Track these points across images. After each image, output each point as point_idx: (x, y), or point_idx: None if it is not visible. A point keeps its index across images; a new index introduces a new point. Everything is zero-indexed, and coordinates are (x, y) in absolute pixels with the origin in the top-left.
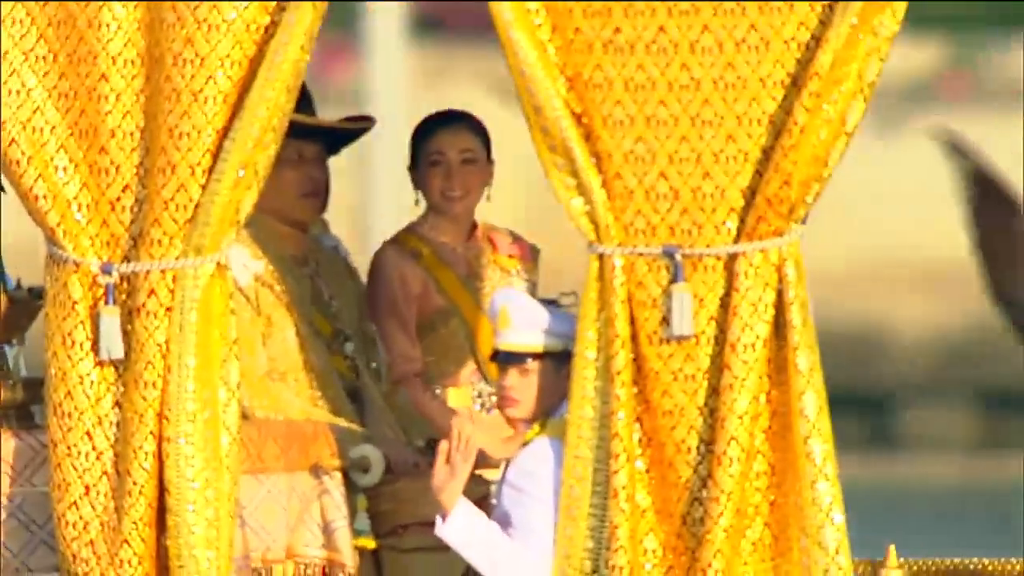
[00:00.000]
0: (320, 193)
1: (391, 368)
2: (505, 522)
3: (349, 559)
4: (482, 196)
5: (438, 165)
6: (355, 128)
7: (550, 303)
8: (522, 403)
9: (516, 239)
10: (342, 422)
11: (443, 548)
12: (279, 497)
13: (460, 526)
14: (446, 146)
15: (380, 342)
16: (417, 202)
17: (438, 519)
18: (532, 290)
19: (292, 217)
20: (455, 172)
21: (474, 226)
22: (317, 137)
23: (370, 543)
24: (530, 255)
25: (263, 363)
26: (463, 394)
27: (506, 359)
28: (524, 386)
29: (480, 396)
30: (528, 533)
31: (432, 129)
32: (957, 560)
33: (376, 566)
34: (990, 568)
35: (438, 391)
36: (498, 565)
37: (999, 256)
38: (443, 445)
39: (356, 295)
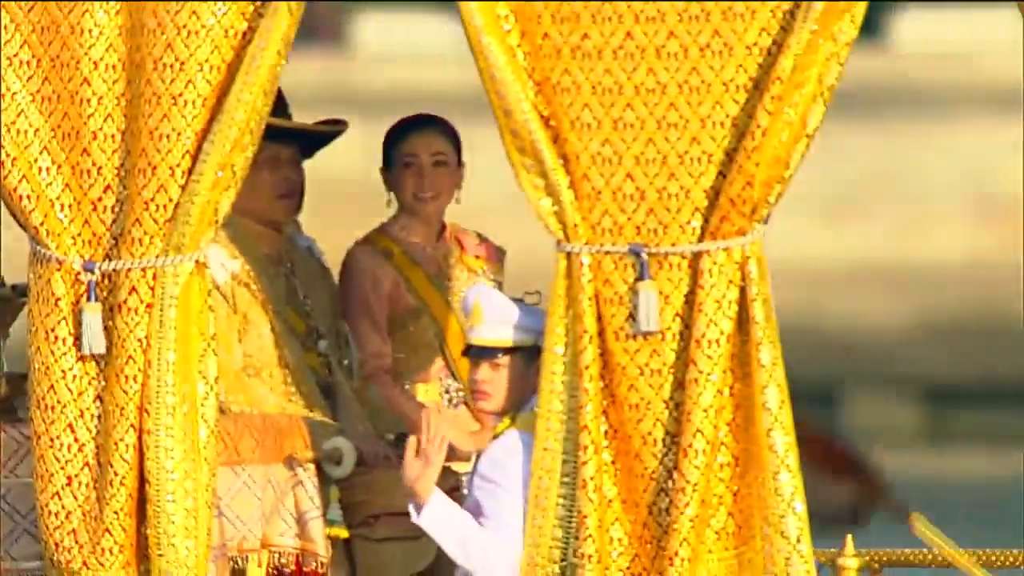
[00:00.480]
0: (295, 194)
1: (362, 364)
2: (477, 512)
3: (322, 548)
4: (452, 198)
5: (410, 167)
6: (329, 131)
7: (516, 301)
8: (493, 396)
9: (483, 240)
10: (316, 416)
11: (413, 537)
12: (255, 488)
13: (435, 515)
14: (419, 149)
15: (352, 339)
16: (389, 203)
17: (412, 509)
18: (498, 289)
19: (268, 218)
20: (427, 174)
21: (443, 227)
22: (293, 140)
23: (343, 533)
24: (496, 256)
25: (239, 359)
26: (432, 390)
27: (478, 354)
28: (495, 380)
29: (448, 392)
30: (500, 522)
31: (405, 132)
32: (913, 550)
33: (348, 555)
34: (942, 558)
35: (407, 387)
36: (471, 553)
37: None
38: (412, 439)
39: (329, 294)
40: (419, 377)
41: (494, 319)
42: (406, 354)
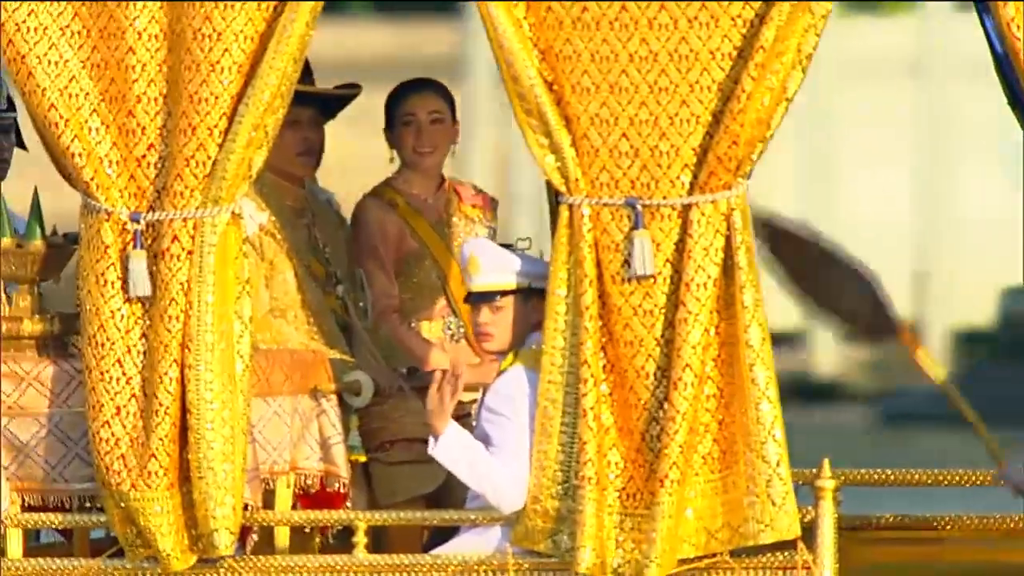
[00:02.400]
0: (314, 152)
1: (374, 305)
2: (486, 442)
3: (344, 471)
4: (449, 152)
5: (410, 125)
6: (343, 95)
7: (508, 248)
8: (496, 337)
9: (478, 191)
10: (336, 352)
11: (424, 461)
12: (284, 417)
13: (449, 446)
14: (417, 108)
15: (364, 282)
16: (392, 159)
17: (430, 440)
18: (492, 235)
19: (289, 173)
20: (425, 131)
21: (442, 179)
22: (312, 103)
23: (361, 457)
24: (490, 205)
25: (266, 302)
26: (435, 327)
27: (478, 299)
28: (496, 321)
29: (450, 328)
30: (507, 450)
31: (404, 93)
32: (888, 471)
33: (366, 477)
34: (918, 478)
35: (413, 324)
36: (482, 479)
37: (805, 279)
38: (437, 374)
39: (346, 243)
40: (423, 315)
41: (490, 266)
42: (412, 294)
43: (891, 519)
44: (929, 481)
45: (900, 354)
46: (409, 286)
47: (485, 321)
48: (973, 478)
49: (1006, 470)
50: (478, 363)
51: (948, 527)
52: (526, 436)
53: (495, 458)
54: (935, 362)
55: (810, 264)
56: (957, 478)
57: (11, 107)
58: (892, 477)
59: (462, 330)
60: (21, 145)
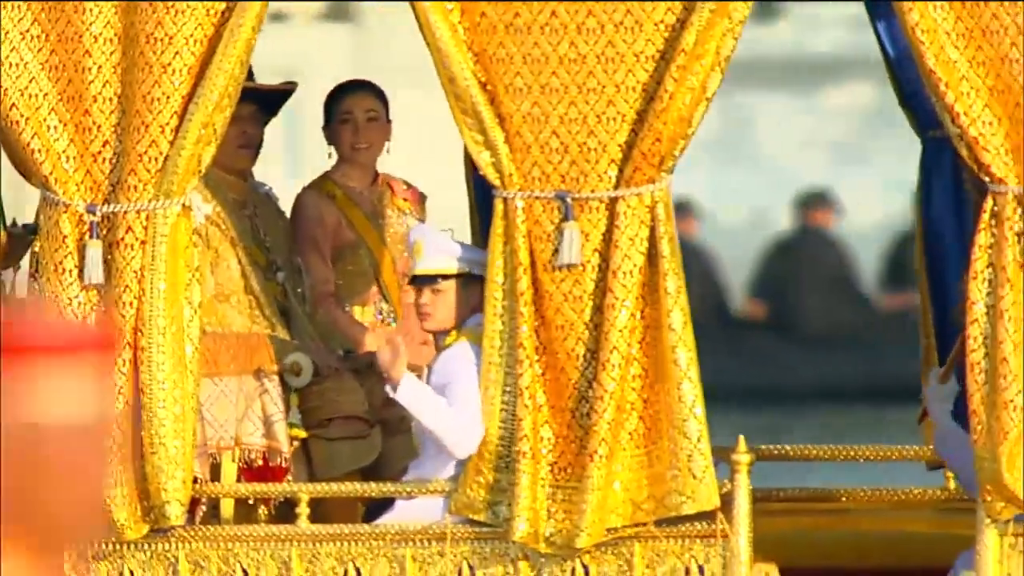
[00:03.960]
0: (253, 146)
1: (311, 290)
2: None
3: (285, 446)
4: (383, 149)
5: (347, 123)
6: (280, 90)
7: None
8: (435, 316)
9: (409, 186)
10: (278, 335)
11: (361, 437)
12: (229, 396)
13: (410, 388)
14: (354, 107)
15: (304, 270)
16: (330, 155)
17: (389, 389)
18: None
19: (231, 166)
20: (361, 128)
21: (376, 174)
22: (252, 99)
23: (301, 433)
24: (419, 199)
25: (211, 287)
26: (368, 311)
27: (421, 282)
28: (436, 302)
29: (381, 313)
30: (460, 402)
31: (343, 93)
32: (800, 446)
33: (306, 452)
34: (827, 454)
35: (347, 308)
36: (440, 421)
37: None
38: (384, 339)
39: (285, 232)
40: (357, 300)
41: (432, 252)
42: (346, 280)
43: (795, 491)
44: (831, 456)
45: None
46: (344, 272)
47: (426, 302)
48: (869, 453)
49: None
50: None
51: (845, 498)
52: (475, 393)
53: (452, 407)
54: None
55: None
56: (855, 453)
57: None
58: (797, 452)
59: (392, 315)
60: None
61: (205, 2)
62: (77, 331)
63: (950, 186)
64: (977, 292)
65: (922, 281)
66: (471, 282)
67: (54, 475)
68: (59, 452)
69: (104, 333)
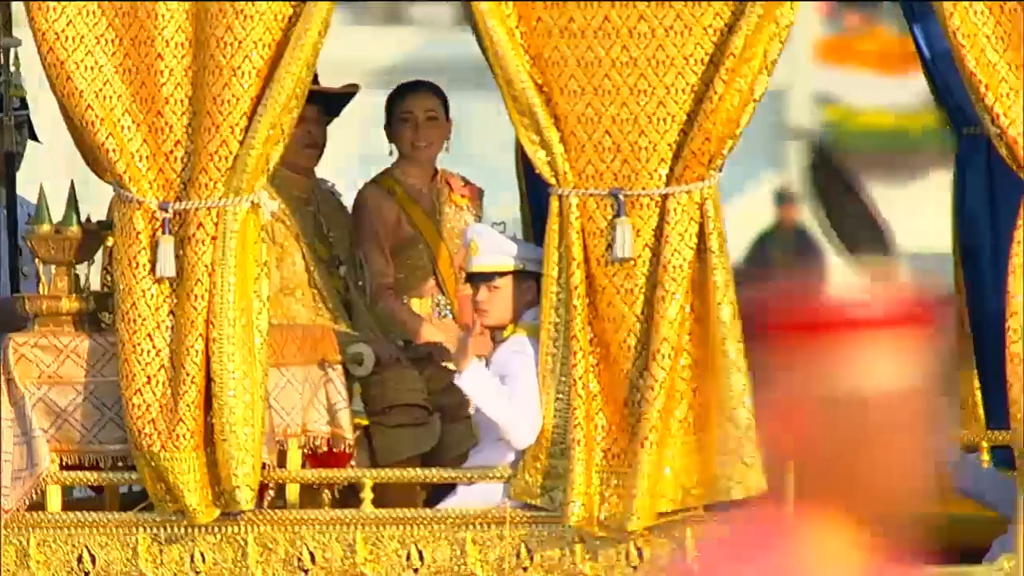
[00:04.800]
0: (317, 145)
1: (371, 283)
2: None
3: (348, 433)
4: (442, 147)
5: (407, 122)
6: (343, 93)
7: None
8: (491, 312)
9: (467, 183)
10: (340, 327)
11: (420, 424)
12: (296, 385)
13: (474, 376)
14: (415, 107)
15: (363, 263)
16: (391, 153)
17: (456, 375)
18: (478, 222)
19: (295, 164)
20: (421, 127)
21: (435, 171)
22: (316, 101)
23: (363, 421)
24: (477, 195)
25: (276, 282)
26: (425, 303)
27: (477, 279)
28: (492, 299)
29: (438, 305)
30: (519, 394)
31: (403, 93)
32: None
33: (368, 438)
34: None
35: (405, 300)
36: (501, 410)
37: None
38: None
39: (347, 227)
40: (415, 293)
41: (488, 250)
42: (405, 274)
43: None
44: None
45: None
46: (403, 266)
47: (482, 299)
48: None
49: None
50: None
51: None
52: (535, 388)
53: (511, 399)
54: None
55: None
56: None
57: (24, 106)
58: None
59: (448, 307)
60: (34, 138)
61: (273, 7)
62: (901, 305)
63: (984, 181)
64: (1017, 285)
65: (957, 273)
66: (525, 278)
67: (880, 445)
68: (885, 422)
69: (920, 308)
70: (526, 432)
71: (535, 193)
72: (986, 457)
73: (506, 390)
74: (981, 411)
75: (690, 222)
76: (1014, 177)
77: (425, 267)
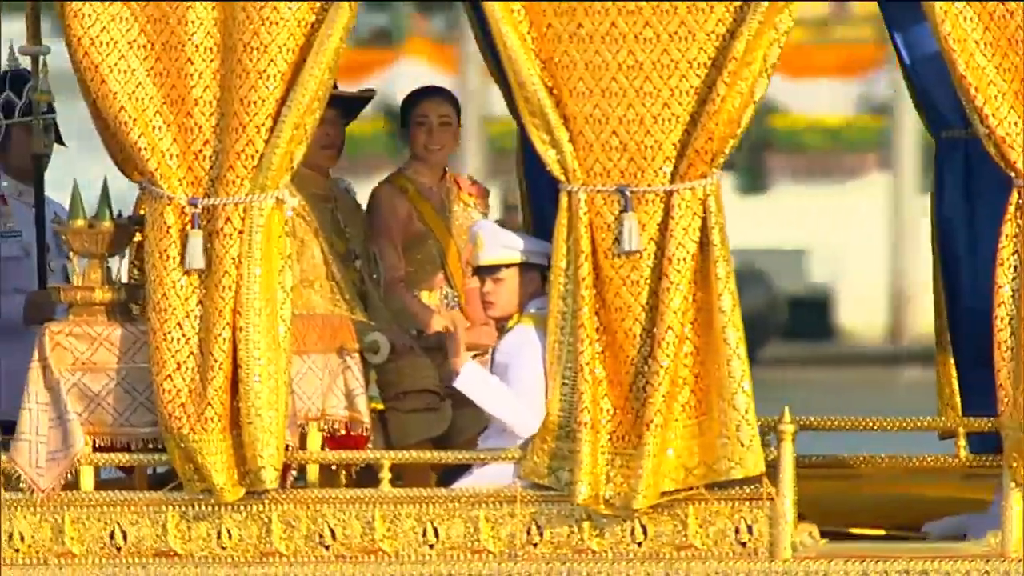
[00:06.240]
0: (334, 146)
1: (384, 276)
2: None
3: (365, 417)
4: (453, 150)
5: (422, 126)
6: (359, 97)
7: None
8: (497, 304)
9: (474, 182)
10: (357, 317)
11: (432, 409)
12: (316, 371)
13: (470, 377)
14: (429, 111)
15: (377, 257)
16: (404, 153)
17: (454, 376)
18: (483, 218)
19: (315, 163)
20: (435, 131)
21: (444, 171)
22: (334, 104)
23: (379, 405)
24: (483, 194)
25: (296, 274)
26: (434, 296)
27: (483, 272)
28: (497, 291)
29: (446, 298)
30: (520, 384)
31: (419, 98)
32: (843, 418)
33: (383, 422)
34: (875, 425)
35: (415, 293)
36: (500, 405)
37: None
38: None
39: (362, 224)
40: (425, 286)
41: (492, 245)
42: (415, 268)
43: (817, 459)
44: (869, 427)
45: None
46: (414, 260)
47: (488, 291)
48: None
49: None
50: (470, 327)
51: (864, 465)
52: (537, 377)
53: (511, 389)
54: None
55: None
56: (886, 424)
57: (51, 109)
58: (839, 423)
59: (456, 299)
60: (60, 141)
61: (297, 13)
62: None
63: (961, 182)
64: (1004, 277)
65: (936, 268)
66: (529, 269)
67: None
68: None
69: None
70: (527, 422)
71: (536, 193)
72: (962, 443)
73: (506, 384)
74: (958, 399)
75: (693, 217)
76: (990, 178)
77: (434, 262)
